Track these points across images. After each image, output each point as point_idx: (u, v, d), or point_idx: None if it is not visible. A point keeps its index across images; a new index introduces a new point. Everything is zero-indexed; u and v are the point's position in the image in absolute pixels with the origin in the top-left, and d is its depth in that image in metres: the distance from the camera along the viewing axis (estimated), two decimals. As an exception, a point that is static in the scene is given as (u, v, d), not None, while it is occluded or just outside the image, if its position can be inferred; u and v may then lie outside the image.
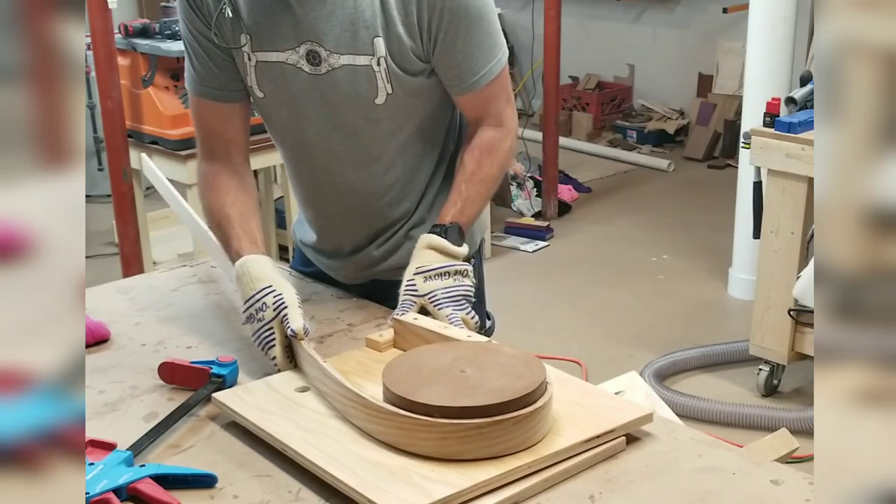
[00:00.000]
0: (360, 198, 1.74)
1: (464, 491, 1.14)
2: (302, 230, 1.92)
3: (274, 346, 1.47)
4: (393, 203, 1.76)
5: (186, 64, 1.71)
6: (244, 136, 1.74)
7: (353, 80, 1.60)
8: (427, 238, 1.60)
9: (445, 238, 1.60)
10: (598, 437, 1.26)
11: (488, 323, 1.86)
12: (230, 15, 1.60)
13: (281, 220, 4.07)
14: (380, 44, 1.56)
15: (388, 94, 1.61)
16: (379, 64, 1.58)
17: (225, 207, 1.65)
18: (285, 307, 1.48)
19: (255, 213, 1.68)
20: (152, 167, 1.92)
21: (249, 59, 1.63)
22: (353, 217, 1.77)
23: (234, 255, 1.60)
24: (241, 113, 1.72)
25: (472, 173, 1.68)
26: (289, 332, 1.45)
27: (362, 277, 1.84)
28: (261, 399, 1.37)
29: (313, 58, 1.59)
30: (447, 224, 1.63)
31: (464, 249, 1.61)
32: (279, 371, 1.46)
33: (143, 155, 1.95)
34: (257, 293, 1.50)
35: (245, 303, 1.52)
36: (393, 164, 1.72)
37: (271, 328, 1.47)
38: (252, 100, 1.71)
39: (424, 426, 1.20)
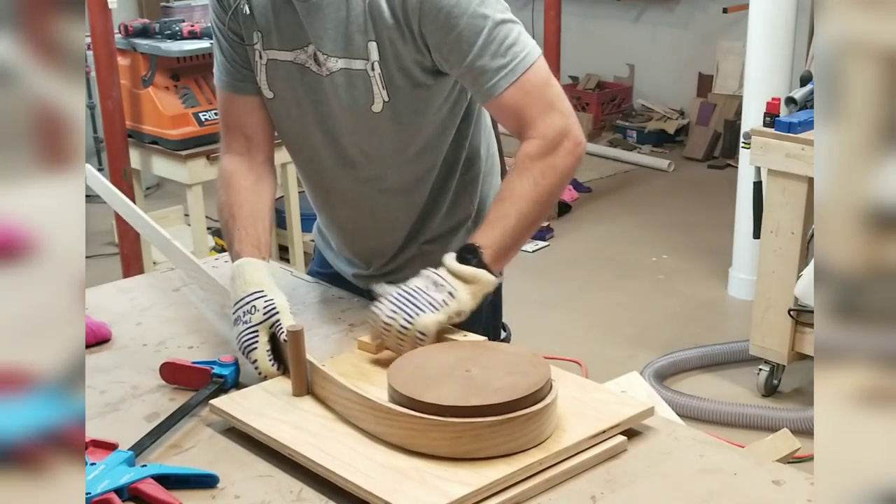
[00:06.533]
0: (367, 208, 1.71)
1: (480, 489, 1.15)
2: (320, 232, 1.90)
3: (255, 349, 1.45)
4: (400, 216, 1.71)
5: (214, 54, 1.71)
6: (265, 131, 1.71)
7: (351, 85, 1.57)
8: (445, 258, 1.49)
9: (456, 257, 1.47)
10: (603, 431, 1.26)
11: (503, 335, 1.83)
12: (247, 12, 1.60)
13: (281, 220, 4.07)
14: (373, 48, 1.53)
15: (384, 101, 1.56)
16: (373, 69, 1.54)
17: (233, 208, 1.63)
18: (276, 313, 1.46)
19: (265, 215, 1.65)
20: (96, 175, 1.86)
21: (261, 58, 1.63)
22: (362, 226, 1.74)
23: (234, 255, 1.59)
24: (262, 107, 1.69)
25: (499, 192, 1.56)
26: (284, 337, 1.42)
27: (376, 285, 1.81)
28: (259, 404, 1.36)
29: (317, 59, 1.58)
30: (469, 245, 1.50)
31: (459, 267, 1.45)
32: (260, 374, 1.45)
33: (88, 165, 1.92)
34: (248, 296, 1.49)
35: (234, 304, 1.50)
36: (399, 179, 1.67)
37: (256, 331, 1.45)
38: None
39: (437, 426, 1.20)
